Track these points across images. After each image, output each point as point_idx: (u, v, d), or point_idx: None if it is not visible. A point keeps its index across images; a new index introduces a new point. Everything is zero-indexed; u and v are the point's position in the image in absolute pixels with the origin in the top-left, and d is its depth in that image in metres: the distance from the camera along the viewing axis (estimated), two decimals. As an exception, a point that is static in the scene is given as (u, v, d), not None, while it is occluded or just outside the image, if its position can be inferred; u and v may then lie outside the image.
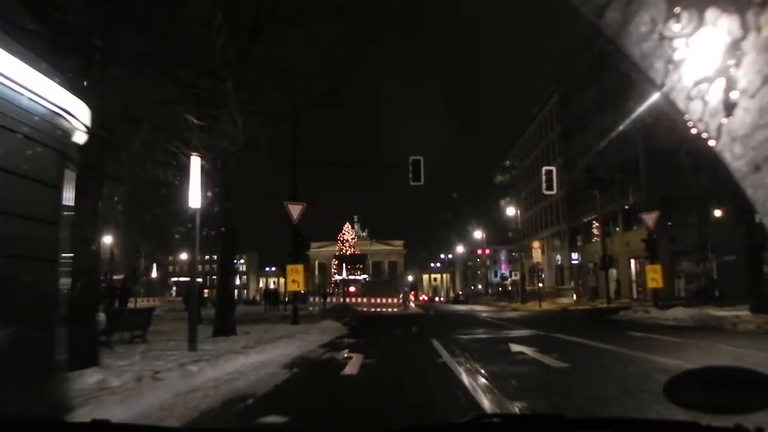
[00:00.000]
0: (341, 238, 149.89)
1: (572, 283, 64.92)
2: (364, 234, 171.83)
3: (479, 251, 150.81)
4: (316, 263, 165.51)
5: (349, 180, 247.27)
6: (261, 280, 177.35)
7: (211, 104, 14.87)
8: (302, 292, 50.14)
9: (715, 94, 1.68)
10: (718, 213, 46.30)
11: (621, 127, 53.69)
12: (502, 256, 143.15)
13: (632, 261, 52.85)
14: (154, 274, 73.06)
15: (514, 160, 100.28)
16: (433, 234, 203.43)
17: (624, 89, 54.16)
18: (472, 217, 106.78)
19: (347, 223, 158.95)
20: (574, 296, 58.33)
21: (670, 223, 48.51)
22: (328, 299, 49.93)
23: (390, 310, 46.67)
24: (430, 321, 31.77)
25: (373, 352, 13.99)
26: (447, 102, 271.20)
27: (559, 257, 73.24)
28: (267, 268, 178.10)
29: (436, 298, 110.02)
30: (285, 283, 26.11)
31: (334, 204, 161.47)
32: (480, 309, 52.60)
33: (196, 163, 13.44)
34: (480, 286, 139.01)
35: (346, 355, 13.23)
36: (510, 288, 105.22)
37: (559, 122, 73.53)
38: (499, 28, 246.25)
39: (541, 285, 72.56)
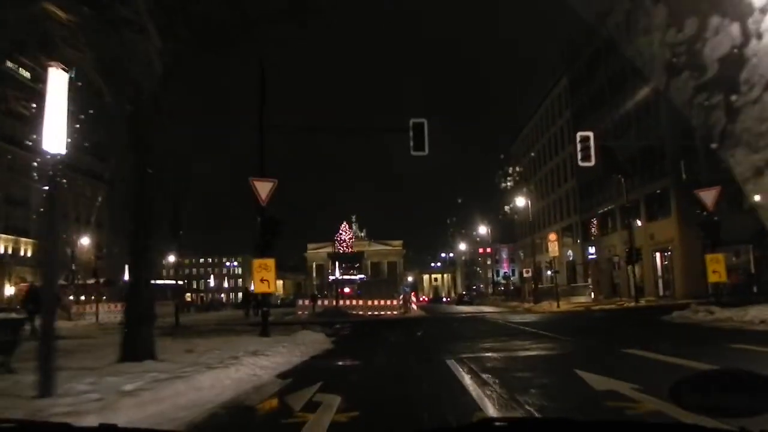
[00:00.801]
0: (338, 239, 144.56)
1: (588, 280, 59.46)
2: (363, 234, 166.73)
3: (480, 250, 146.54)
4: (314, 265, 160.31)
5: (346, 171, 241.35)
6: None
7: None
8: (276, 294, 44.75)
9: (716, 100, 1.74)
10: (757, 198, 40.86)
11: (641, 106, 48.62)
12: (504, 255, 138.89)
13: (657, 254, 47.31)
14: (126, 275, 67.44)
15: (517, 154, 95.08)
16: (434, 233, 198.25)
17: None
18: (475, 214, 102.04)
19: (344, 223, 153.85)
20: (592, 294, 52.95)
21: (699, 211, 43.10)
22: (321, 302, 44.51)
23: (389, 313, 41.26)
24: (437, 327, 26.21)
25: (358, 391, 8.64)
26: (448, 87, 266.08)
27: (570, 252, 67.78)
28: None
29: (444, 298, 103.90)
30: (283, 286, 20.94)
31: (333, 204, 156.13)
32: (489, 310, 47.22)
33: (57, 79, 8.00)
34: (482, 286, 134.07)
35: (311, 398, 7.75)
36: (513, 287, 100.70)
37: (569, 107, 68.12)
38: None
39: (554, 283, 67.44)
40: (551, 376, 9.38)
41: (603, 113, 55.97)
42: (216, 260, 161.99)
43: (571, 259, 67.64)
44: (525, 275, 61.27)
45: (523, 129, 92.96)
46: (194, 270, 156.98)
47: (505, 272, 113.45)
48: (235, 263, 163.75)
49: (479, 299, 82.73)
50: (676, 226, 43.91)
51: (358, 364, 12.56)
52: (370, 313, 41.36)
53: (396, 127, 20.03)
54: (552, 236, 44.77)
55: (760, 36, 1.56)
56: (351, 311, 40.95)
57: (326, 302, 43.95)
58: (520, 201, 58.79)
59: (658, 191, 45.97)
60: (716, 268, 22.46)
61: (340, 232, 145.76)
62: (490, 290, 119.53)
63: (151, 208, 11.15)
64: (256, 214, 18.59)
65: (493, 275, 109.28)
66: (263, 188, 18.35)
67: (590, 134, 24.43)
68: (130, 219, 11.02)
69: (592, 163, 23.84)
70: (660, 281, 47.98)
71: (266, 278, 18.10)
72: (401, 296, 45.87)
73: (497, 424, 1.99)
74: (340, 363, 12.78)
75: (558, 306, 42.28)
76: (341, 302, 43.38)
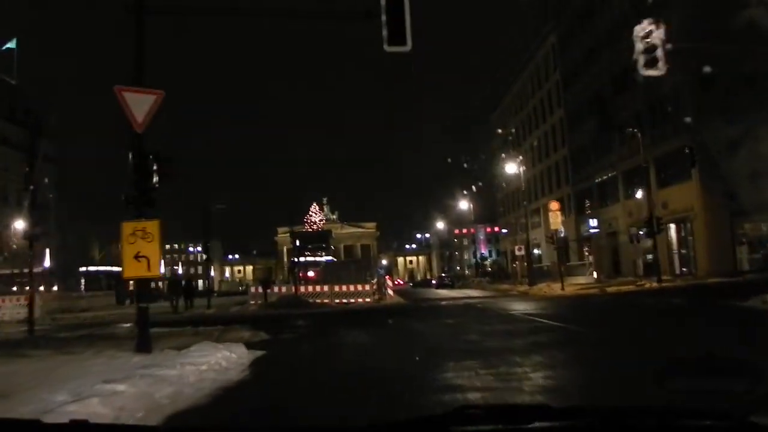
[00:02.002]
0: (308, 220, 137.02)
1: (590, 258, 52.66)
2: (335, 216, 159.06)
3: (456, 231, 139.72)
4: (285, 249, 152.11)
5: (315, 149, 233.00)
6: (226, 270, 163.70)
7: None
8: (243, 280, 37.44)
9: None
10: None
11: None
12: (481, 236, 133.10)
13: (672, 226, 40.34)
14: (47, 262, 58.75)
15: (498, 124, 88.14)
16: (409, 214, 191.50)
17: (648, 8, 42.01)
18: (454, 191, 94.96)
19: (314, 204, 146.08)
20: (594, 274, 46.17)
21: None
22: (278, 289, 37.13)
23: (360, 300, 34.07)
24: (424, 322, 18.80)
25: None
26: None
27: (561, 228, 60.88)
28: (229, 255, 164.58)
29: (432, 281, 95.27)
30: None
31: (303, 186, 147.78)
32: (477, 295, 40.25)
33: None
34: (458, 268, 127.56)
35: None
36: (490, 268, 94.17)
37: (557, 67, 61.15)
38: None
39: (548, 263, 60.57)
40: None
41: (600, 69, 49.00)
42: (182, 246, 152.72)
43: (562, 235, 60.67)
44: (517, 252, 54.20)
45: (504, 98, 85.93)
46: (167, 256, 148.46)
47: (482, 253, 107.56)
48: (199, 248, 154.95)
49: (461, 282, 75.48)
50: (697, 192, 37.16)
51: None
52: (337, 301, 34.16)
53: (360, 13, 12.59)
54: (553, 204, 37.81)
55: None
56: (313, 299, 33.74)
57: (283, 289, 36.48)
58: (511, 168, 51.56)
59: (673, 151, 38.93)
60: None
61: (310, 213, 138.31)
62: (467, 272, 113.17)
63: None
64: (128, 146, 11.26)
65: (475, 256, 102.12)
66: (138, 104, 11.00)
67: (653, 28, 16.99)
68: None
69: (661, 71, 16.53)
70: (676, 257, 41.20)
71: (144, 254, 10.79)
72: (375, 280, 38.72)
73: (471, 411, 2.02)
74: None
75: (563, 288, 35.43)
76: (303, 289, 36.07)
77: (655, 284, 32.71)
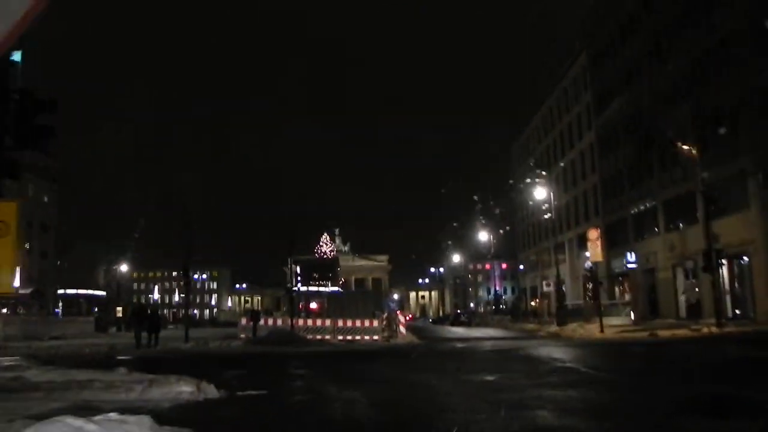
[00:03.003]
0: (318, 251, 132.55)
1: (625, 297, 47.41)
2: (346, 248, 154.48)
3: (471, 266, 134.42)
4: (294, 280, 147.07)
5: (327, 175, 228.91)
6: (231, 299, 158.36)
7: None
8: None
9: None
10: None
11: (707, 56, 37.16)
12: (497, 272, 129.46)
13: (723, 263, 35.16)
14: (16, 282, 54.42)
15: (520, 153, 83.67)
16: (423, 249, 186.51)
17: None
18: (473, 225, 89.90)
19: (325, 234, 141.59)
20: (632, 314, 40.96)
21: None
22: (273, 321, 32.26)
23: (367, 338, 29.25)
24: (453, 374, 13.46)
25: None
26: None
27: (589, 264, 55.78)
28: (237, 285, 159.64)
29: (461, 314, 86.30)
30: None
31: (322, 218, 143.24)
32: (500, 335, 35.26)
33: None
34: (471, 305, 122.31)
35: None
36: (505, 306, 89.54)
37: (589, 87, 56.56)
38: None
39: (574, 301, 55.36)
40: None
41: (642, 85, 44.38)
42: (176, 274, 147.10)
43: (589, 270, 55.55)
44: (545, 288, 49.27)
45: (526, 128, 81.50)
46: (167, 284, 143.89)
47: (496, 291, 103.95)
48: (204, 276, 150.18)
49: (477, 319, 70.05)
50: (757, 223, 32.23)
51: None
52: (340, 337, 29.31)
53: None
54: (592, 233, 32.74)
55: None
56: (313, 335, 28.95)
57: (279, 322, 31.54)
58: (539, 193, 46.46)
59: (729, 176, 33.93)
60: None
61: (321, 243, 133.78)
62: (481, 309, 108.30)
63: None
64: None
65: (490, 293, 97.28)
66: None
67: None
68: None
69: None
70: (728, 298, 35.99)
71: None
72: (385, 314, 33.82)
73: None
74: None
75: (602, 331, 30.40)
76: (302, 322, 31.26)
77: (714, 329, 27.63)
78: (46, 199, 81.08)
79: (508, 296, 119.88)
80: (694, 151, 30.93)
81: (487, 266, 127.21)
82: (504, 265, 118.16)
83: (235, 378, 12.02)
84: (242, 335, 28.82)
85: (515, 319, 59.66)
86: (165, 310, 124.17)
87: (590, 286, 58.28)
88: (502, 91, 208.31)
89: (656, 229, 44.01)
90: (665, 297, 42.87)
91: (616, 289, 51.39)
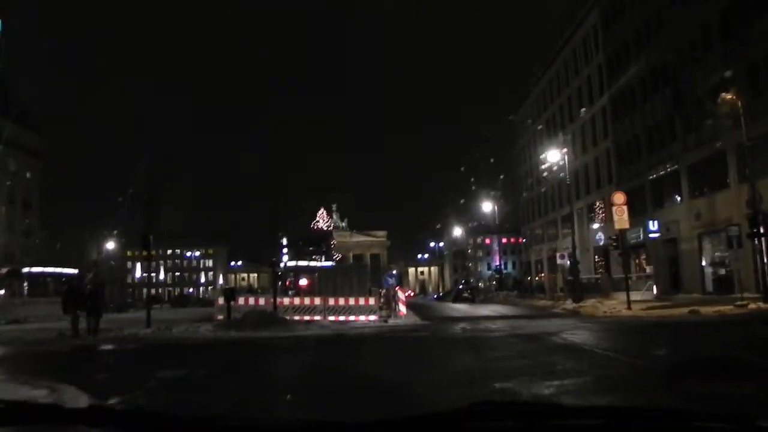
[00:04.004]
0: (314, 227, 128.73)
1: (646, 269, 43.67)
2: (344, 224, 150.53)
3: (470, 240, 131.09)
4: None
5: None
6: (229, 277, 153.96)
7: None
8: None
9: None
10: None
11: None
12: (496, 246, 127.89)
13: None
14: None
15: (526, 119, 79.71)
16: (423, 223, 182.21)
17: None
18: (476, 196, 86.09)
19: (322, 209, 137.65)
20: (654, 289, 37.24)
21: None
22: (256, 301, 28.36)
23: (363, 319, 25.59)
24: (485, 379, 9.38)
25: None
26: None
27: (600, 235, 52.17)
28: (232, 263, 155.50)
29: (464, 290, 78.00)
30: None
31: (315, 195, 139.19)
32: (512, 314, 31.60)
33: None
34: (471, 281, 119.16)
35: None
36: (506, 280, 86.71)
37: (601, 46, 52.47)
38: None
39: (598, 274, 51.78)
40: None
41: (663, 38, 40.29)
42: (171, 252, 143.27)
43: (602, 243, 51.90)
44: (559, 261, 45.61)
45: (532, 90, 77.29)
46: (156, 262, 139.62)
47: (496, 265, 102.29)
48: (197, 254, 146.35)
49: (482, 296, 66.14)
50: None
51: None
52: (332, 318, 25.61)
53: None
54: (618, 197, 28.56)
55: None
56: (299, 315, 25.23)
57: (261, 301, 27.59)
58: (553, 156, 42.37)
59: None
60: None
61: (317, 219, 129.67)
62: (481, 285, 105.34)
63: None
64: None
65: (490, 268, 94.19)
66: None
67: None
68: None
69: None
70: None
71: None
72: (382, 291, 30.12)
73: (485, 408, 1.90)
74: None
75: (629, 307, 26.72)
76: (288, 302, 27.52)
77: (761, 304, 24.03)
78: (28, 175, 77.09)
79: (508, 271, 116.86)
80: (737, 102, 26.95)
81: (488, 241, 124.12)
82: (504, 240, 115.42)
83: (163, 384, 8.30)
84: (220, 317, 25.01)
85: (522, 295, 56.10)
86: (159, 290, 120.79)
87: (597, 258, 55.21)
88: (502, 61, 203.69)
89: (678, 197, 40.31)
90: (689, 270, 39.19)
91: (637, 261, 47.62)
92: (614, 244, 30.32)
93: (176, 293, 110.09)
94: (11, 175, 72.50)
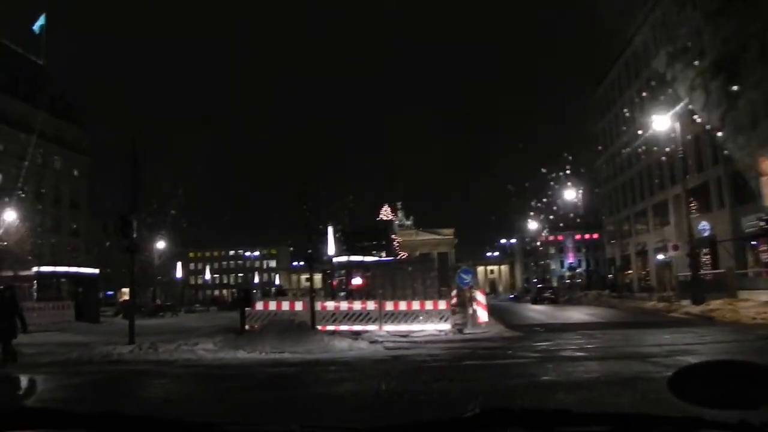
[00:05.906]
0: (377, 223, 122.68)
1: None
2: (409, 222, 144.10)
3: (541, 238, 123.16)
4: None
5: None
6: (286, 278, 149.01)
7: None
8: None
9: (717, 85, 2.54)
10: None
11: None
12: (569, 244, 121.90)
13: None
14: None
15: (603, 103, 72.08)
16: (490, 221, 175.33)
17: None
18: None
19: (386, 206, 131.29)
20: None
21: None
22: (290, 306, 22.15)
23: (428, 328, 19.23)
24: None
25: None
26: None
27: (705, 224, 44.40)
28: (295, 263, 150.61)
29: (548, 289, 64.92)
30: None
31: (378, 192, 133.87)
32: (623, 319, 25.05)
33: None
34: (546, 279, 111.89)
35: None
36: (580, 279, 79.46)
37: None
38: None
39: (680, 272, 44.21)
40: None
41: None
42: (233, 253, 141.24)
43: (706, 234, 44.19)
44: (672, 253, 38.47)
45: (609, 73, 69.50)
46: (219, 264, 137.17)
47: (570, 263, 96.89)
48: (256, 254, 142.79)
49: (566, 296, 58.26)
50: None
51: None
52: (389, 328, 19.37)
53: None
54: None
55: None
56: (347, 325, 19.10)
57: (297, 306, 21.23)
58: (659, 123, 34.52)
59: None
60: None
61: (381, 216, 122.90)
62: (555, 283, 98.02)
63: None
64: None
65: (586, 264, 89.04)
66: None
67: None
68: None
69: None
70: None
71: None
72: (454, 291, 23.72)
73: (495, 414, 1.84)
74: None
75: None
76: (335, 306, 21.33)
77: None
78: (76, 173, 73.11)
79: (580, 269, 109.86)
80: None
81: (560, 237, 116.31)
82: (578, 236, 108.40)
83: None
84: (255, 322, 18.98)
85: (620, 295, 48.73)
86: (215, 291, 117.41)
87: (704, 252, 47.63)
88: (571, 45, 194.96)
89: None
90: None
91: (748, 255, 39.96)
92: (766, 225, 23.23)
93: (232, 295, 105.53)
94: (57, 172, 68.63)
